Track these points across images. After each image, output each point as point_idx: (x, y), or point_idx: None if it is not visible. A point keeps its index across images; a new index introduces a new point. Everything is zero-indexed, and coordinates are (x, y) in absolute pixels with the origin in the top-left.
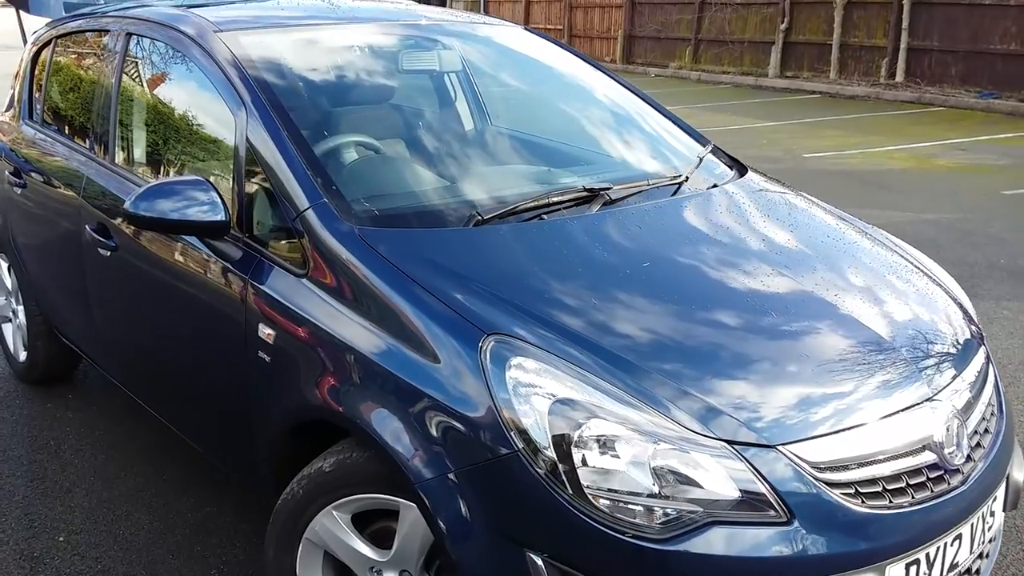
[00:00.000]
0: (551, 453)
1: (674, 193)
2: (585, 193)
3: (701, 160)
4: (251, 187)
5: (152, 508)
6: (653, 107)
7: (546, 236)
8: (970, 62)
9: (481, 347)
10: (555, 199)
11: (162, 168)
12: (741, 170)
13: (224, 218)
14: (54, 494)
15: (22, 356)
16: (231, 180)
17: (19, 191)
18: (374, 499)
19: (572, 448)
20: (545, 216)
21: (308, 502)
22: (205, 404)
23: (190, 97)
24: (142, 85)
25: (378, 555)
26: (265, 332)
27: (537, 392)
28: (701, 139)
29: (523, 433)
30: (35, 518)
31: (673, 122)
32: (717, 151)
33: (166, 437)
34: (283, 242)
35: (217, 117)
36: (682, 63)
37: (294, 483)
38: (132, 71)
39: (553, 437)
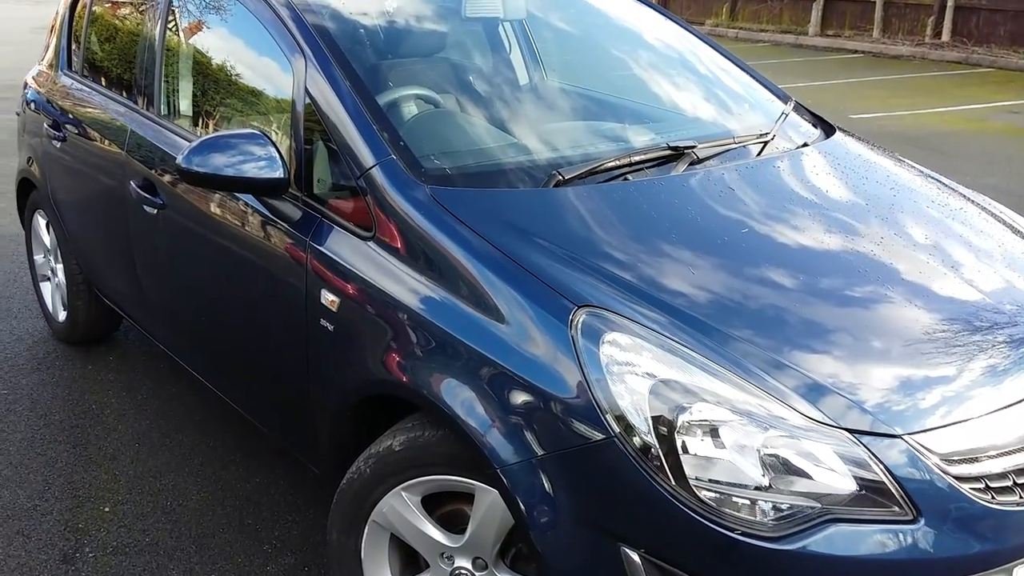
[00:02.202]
0: (651, 439)
1: (759, 152)
2: (668, 152)
3: (784, 117)
4: (310, 142)
5: (199, 478)
6: (729, 60)
7: (633, 198)
8: (1020, 22)
9: (571, 321)
10: (637, 158)
11: (212, 121)
12: (827, 129)
13: (283, 175)
14: (98, 461)
15: (61, 316)
16: (287, 134)
17: (58, 144)
18: (447, 481)
19: (675, 434)
20: (629, 177)
21: (376, 483)
22: (260, 374)
23: (242, 45)
24: (189, 33)
25: (450, 540)
26: (328, 299)
27: (634, 371)
28: (782, 95)
29: (620, 417)
30: (79, 487)
31: (752, 76)
32: (800, 108)
33: (211, 403)
34: (346, 201)
35: (272, 66)
36: (719, 20)
37: (360, 462)
38: (179, 18)
39: (653, 421)
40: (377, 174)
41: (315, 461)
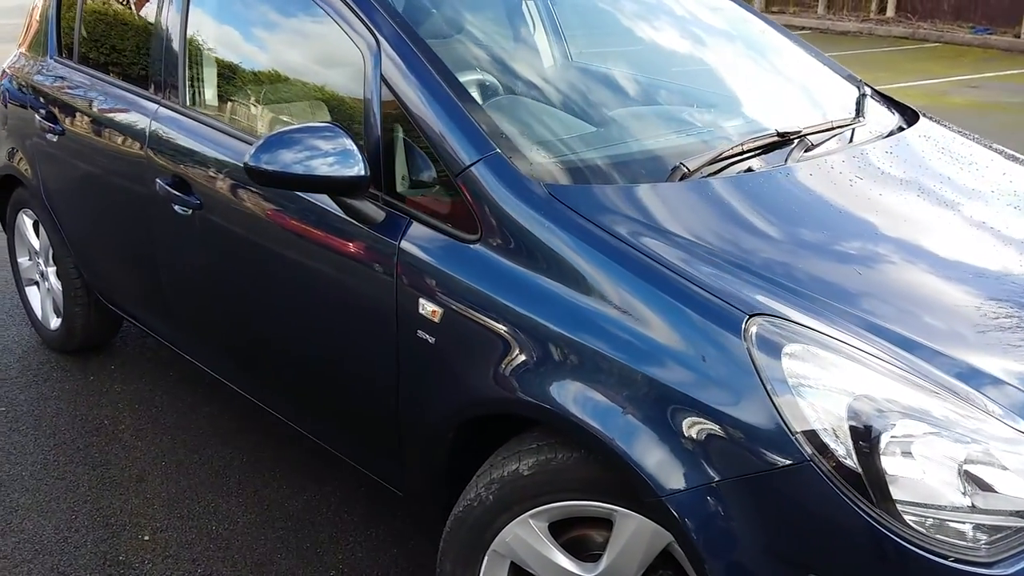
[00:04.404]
0: (851, 461)
1: (851, 139)
2: (777, 138)
3: (864, 99)
4: (389, 135)
5: (241, 497)
6: (796, 43)
7: (767, 191)
8: None
9: (745, 331)
10: (748, 146)
11: (263, 114)
12: (904, 110)
13: (364, 172)
14: (124, 484)
15: (54, 323)
16: (359, 127)
17: (54, 138)
18: (581, 507)
19: (877, 454)
20: (755, 168)
21: (500, 510)
22: (333, 392)
23: (297, 27)
24: (228, 13)
25: (582, 569)
26: (428, 309)
27: (825, 386)
28: (852, 78)
29: (812, 437)
30: (109, 514)
31: (815, 57)
32: (875, 92)
33: (233, 414)
34: (440, 201)
35: (335, 51)
36: None
37: (481, 488)
38: None
39: (852, 441)
40: (481, 171)
41: (399, 483)
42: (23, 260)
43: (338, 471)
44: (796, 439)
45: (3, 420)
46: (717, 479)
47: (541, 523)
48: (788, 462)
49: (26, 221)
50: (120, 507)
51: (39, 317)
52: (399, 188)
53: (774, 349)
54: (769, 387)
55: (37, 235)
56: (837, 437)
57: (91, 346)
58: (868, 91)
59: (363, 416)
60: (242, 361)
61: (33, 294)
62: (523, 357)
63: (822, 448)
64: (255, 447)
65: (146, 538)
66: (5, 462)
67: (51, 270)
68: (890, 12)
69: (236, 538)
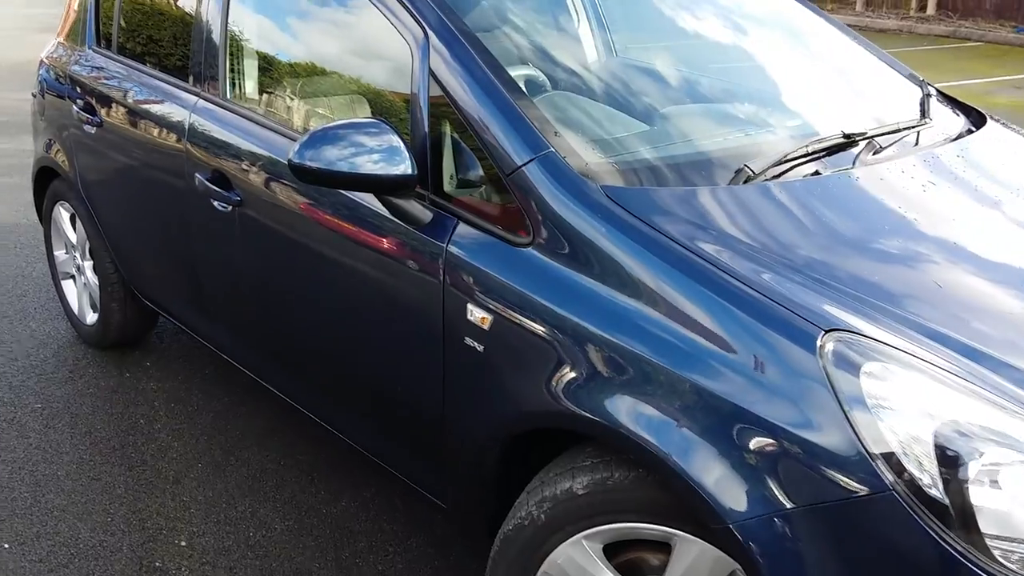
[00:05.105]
0: (936, 491)
1: (917, 141)
2: (842, 140)
3: (929, 99)
4: (436, 132)
5: (277, 503)
6: (846, 34)
7: (839, 196)
8: None
9: (820, 348)
10: (813, 147)
11: (301, 108)
12: (969, 112)
13: (412, 171)
14: (160, 486)
15: (90, 318)
16: (405, 123)
17: (92, 130)
18: (638, 529)
19: (965, 484)
20: (821, 171)
21: (552, 530)
22: (374, 397)
23: (341, 19)
24: (275, 2)
25: None
26: (477, 315)
27: (905, 408)
28: (913, 77)
29: (894, 464)
30: (146, 517)
31: (874, 54)
32: (939, 93)
33: (270, 414)
34: (489, 201)
35: (381, 43)
36: None
37: (532, 506)
38: None
39: (939, 469)
40: (534, 171)
41: (442, 494)
42: (59, 253)
43: (376, 475)
44: (876, 465)
45: (39, 417)
46: (790, 506)
47: (595, 544)
48: (868, 490)
49: (63, 214)
50: (156, 510)
51: (75, 311)
52: (447, 187)
53: (851, 367)
54: (846, 408)
55: (74, 228)
56: (921, 464)
57: (127, 342)
58: (932, 91)
59: (406, 424)
60: (280, 362)
61: (69, 288)
62: (578, 369)
63: (904, 475)
64: (291, 449)
65: (183, 543)
66: (41, 461)
67: (87, 264)
68: (931, 10)
69: (273, 546)
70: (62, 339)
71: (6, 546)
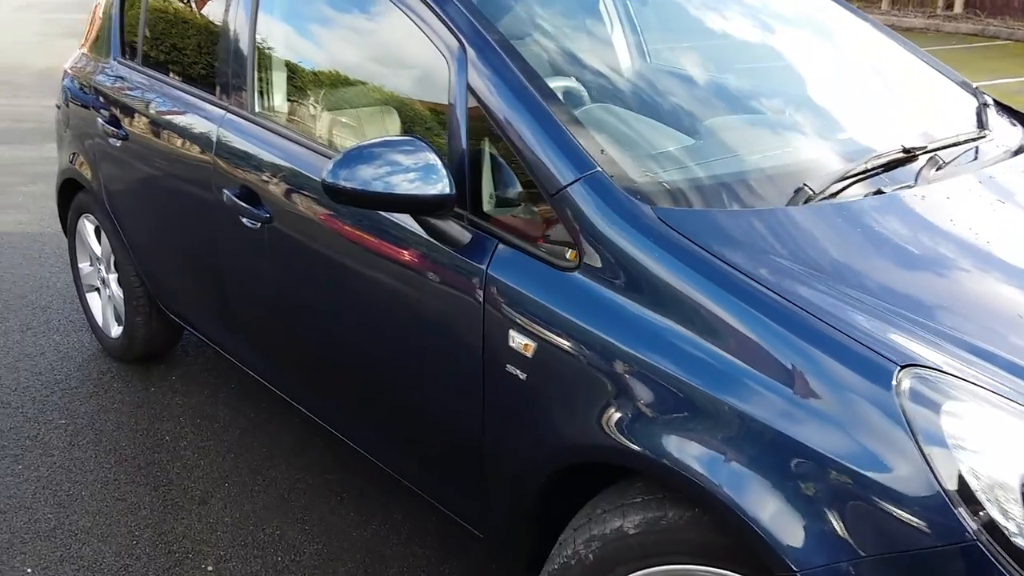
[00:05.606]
0: (1023, 541)
1: (976, 155)
2: (903, 155)
3: (986, 108)
4: (475, 150)
5: (306, 525)
6: (895, 40)
7: (906, 218)
8: None
9: (896, 385)
10: (872, 163)
11: (332, 122)
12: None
13: (450, 190)
14: (186, 507)
15: (115, 331)
16: (443, 141)
17: (118, 143)
18: (692, 571)
19: None
20: (884, 189)
21: (602, 571)
22: (411, 423)
23: (373, 32)
24: (301, 17)
25: None
26: (520, 342)
27: (989, 450)
28: (966, 84)
29: (977, 510)
30: (171, 540)
31: (926, 62)
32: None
33: (298, 433)
34: (533, 222)
35: (417, 58)
36: None
37: (580, 545)
38: None
39: None
40: (581, 191)
41: (480, 524)
42: (84, 265)
43: (408, 497)
44: (959, 513)
45: (64, 434)
46: (863, 554)
47: None
48: (950, 539)
49: (87, 226)
50: (183, 532)
51: (100, 324)
52: (486, 207)
53: (931, 405)
54: (925, 449)
55: (99, 241)
56: (1006, 512)
57: (152, 355)
58: (988, 100)
59: (440, 450)
60: (309, 382)
61: (94, 300)
62: (628, 401)
63: (988, 524)
64: (320, 468)
65: (209, 568)
66: (66, 480)
67: (112, 277)
68: (958, 8)
69: (303, 571)
70: (86, 352)
71: (28, 570)
